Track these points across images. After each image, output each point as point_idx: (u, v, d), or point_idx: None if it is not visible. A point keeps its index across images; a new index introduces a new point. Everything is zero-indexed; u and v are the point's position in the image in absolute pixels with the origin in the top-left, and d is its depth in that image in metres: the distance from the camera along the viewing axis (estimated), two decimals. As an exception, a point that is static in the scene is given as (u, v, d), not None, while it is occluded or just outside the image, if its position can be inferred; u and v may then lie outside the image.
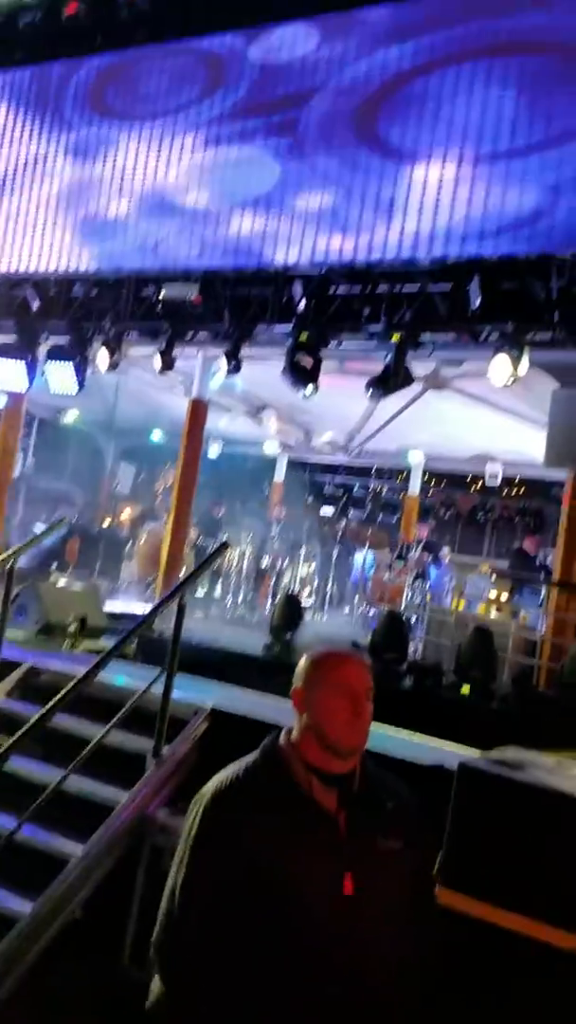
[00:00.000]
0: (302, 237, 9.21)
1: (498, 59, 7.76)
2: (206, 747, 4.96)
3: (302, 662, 2.21)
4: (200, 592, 11.91)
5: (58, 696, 4.26)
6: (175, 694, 4.90)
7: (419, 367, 9.57)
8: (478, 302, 8.14)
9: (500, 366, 8.02)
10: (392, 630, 7.90)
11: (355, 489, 17.64)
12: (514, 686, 7.48)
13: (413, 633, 9.02)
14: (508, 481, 15.40)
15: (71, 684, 4.34)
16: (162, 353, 10.29)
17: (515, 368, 7.82)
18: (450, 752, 5.03)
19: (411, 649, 8.57)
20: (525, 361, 7.91)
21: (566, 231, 7.44)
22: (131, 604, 10.55)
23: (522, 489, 16.00)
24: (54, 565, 12.00)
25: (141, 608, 8.97)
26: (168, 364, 10.37)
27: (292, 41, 9.31)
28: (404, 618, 8.72)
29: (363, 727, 2.13)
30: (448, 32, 8.14)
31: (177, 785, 4.81)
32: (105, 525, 14.90)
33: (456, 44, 8.06)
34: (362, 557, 12.28)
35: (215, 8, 9.91)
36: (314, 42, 9.11)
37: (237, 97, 9.72)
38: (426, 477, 15.89)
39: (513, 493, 16.21)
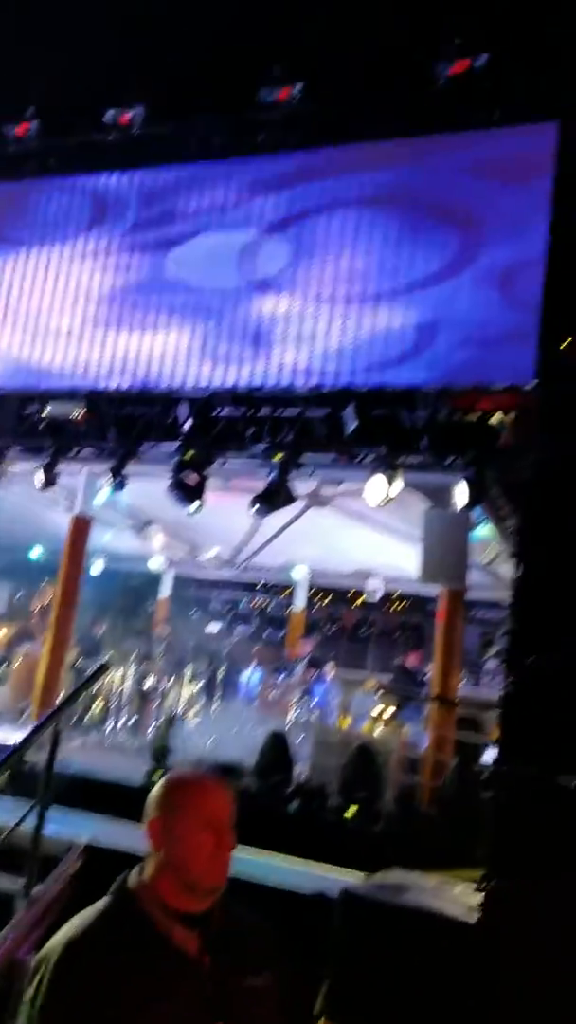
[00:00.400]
0: (187, 362, 9.57)
1: (365, 210, 8.51)
2: (81, 886, 4.70)
3: (157, 789, 1.99)
4: (78, 717, 11.45)
5: None
6: (48, 829, 4.66)
7: (302, 485, 9.89)
8: (353, 427, 8.58)
9: (375, 486, 8.40)
10: (277, 751, 7.80)
11: (241, 605, 17.63)
12: (397, 806, 7.46)
13: (299, 753, 8.92)
14: (389, 596, 15.75)
15: None
16: (45, 470, 10.23)
17: (388, 489, 8.19)
18: (333, 879, 4.95)
19: (297, 770, 8.46)
20: (398, 482, 8.31)
21: (430, 366, 8.05)
22: (3, 733, 10.02)
23: (403, 604, 16.38)
24: None
25: (14, 737, 8.53)
26: (50, 481, 10.30)
27: (174, 183, 9.90)
28: (289, 738, 8.62)
29: (226, 862, 1.95)
30: (320, 183, 8.89)
31: (49, 927, 4.50)
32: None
33: (328, 195, 8.80)
34: (248, 675, 12.16)
35: (99, 149, 10.47)
36: (196, 187, 9.73)
37: (124, 229, 10.18)
38: (311, 592, 16.07)
39: (394, 608, 16.57)
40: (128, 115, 9.98)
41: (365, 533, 12.40)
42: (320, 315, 8.71)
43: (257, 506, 9.55)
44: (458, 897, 4.09)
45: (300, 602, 15.43)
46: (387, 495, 8.21)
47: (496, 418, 8.41)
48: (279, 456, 9.36)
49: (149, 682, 12.18)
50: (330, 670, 12.40)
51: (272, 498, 9.35)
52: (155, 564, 15.92)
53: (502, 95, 8.09)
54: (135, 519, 13.90)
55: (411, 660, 11.02)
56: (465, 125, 8.31)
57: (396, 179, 8.53)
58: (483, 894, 3.65)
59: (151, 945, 1.86)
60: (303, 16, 9.50)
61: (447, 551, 8.29)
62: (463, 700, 8.83)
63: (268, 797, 7.32)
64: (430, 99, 8.55)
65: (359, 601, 16.28)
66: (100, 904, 1.95)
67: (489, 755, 8.52)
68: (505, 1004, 3.31)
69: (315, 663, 12.72)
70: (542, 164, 7.58)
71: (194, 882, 1.90)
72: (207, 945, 1.90)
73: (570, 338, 8.21)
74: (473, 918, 3.73)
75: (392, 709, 10.69)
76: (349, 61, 9.27)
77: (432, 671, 10.44)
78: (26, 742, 4.83)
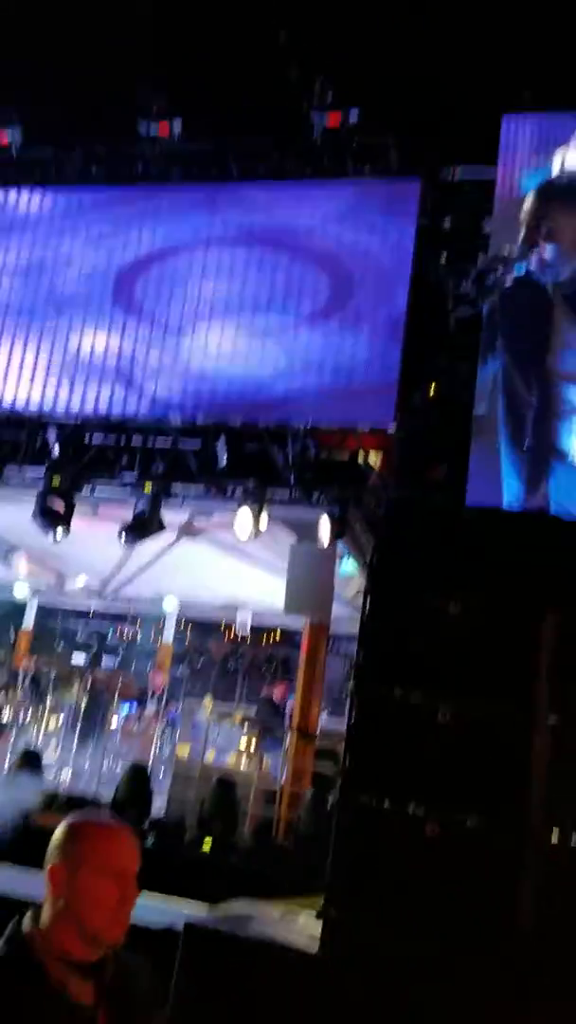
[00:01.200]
0: (57, 386, 9.45)
1: (239, 248, 8.72)
2: None
3: (60, 833, 1.87)
4: None
5: None
6: None
7: (173, 516, 9.87)
8: (224, 460, 8.69)
9: (243, 520, 8.51)
10: (135, 785, 7.69)
11: (109, 636, 17.29)
12: (253, 839, 7.47)
13: (158, 787, 8.81)
14: (258, 629, 15.83)
15: None
16: None
17: (256, 522, 8.31)
18: (179, 912, 4.91)
19: (156, 804, 8.35)
20: (265, 516, 8.44)
21: (300, 405, 8.29)
22: None
23: (272, 637, 16.50)
24: None
25: None
26: None
27: (51, 207, 9.85)
28: (149, 772, 8.51)
29: (129, 914, 1.87)
30: (194, 219, 9.05)
31: None
32: None
33: (203, 231, 8.96)
34: (113, 707, 11.93)
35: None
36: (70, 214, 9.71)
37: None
38: (181, 624, 15.95)
39: (264, 641, 16.67)
40: (6, 136, 9.86)
41: (236, 565, 12.46)
42: (193, 349, 8.81)
43: (126, 536, 9.48)
44: (302, 927, 4.14)
45: (169, 634, 15.28)
46: (255, 529, 8.32)
47: (362, 457, 8.72)
48: (149, 486, 9.34)
49: (6, 716, 11.76)
50: (200, 703, 12.33)
51: (141, 528, 9.30)
52: (19, 592, 15.43)
53: (372, 149, 8.49)
54: (-1, 545, 13.48)
55: (277, 693, 11.10)
56: (338, 174, 8.65)
57: (270, 221, 8.77)
58: (322, 923, 3.72)
59: (44, 995, 1.77)
60: (186, 53, 9.71)
61: (311, 585, 8.45)
62: (323, 732, 8.96)
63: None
64: (306, 146, 8.88)
65: (230, 634, 16.29)
66: None
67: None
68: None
69: (182, 696, 12.62)
70: (406, 219, 7.98)
71: (96, 934, 1.82)
72: (102, 994, 1.84)
73: (432, 384, 8.66)
74: (315, 947, 3.79)
75: (255, 741, 10.72)
76: (230, 102, 9.52)
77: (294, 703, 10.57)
78: None
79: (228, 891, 5.75)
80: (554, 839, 3.50)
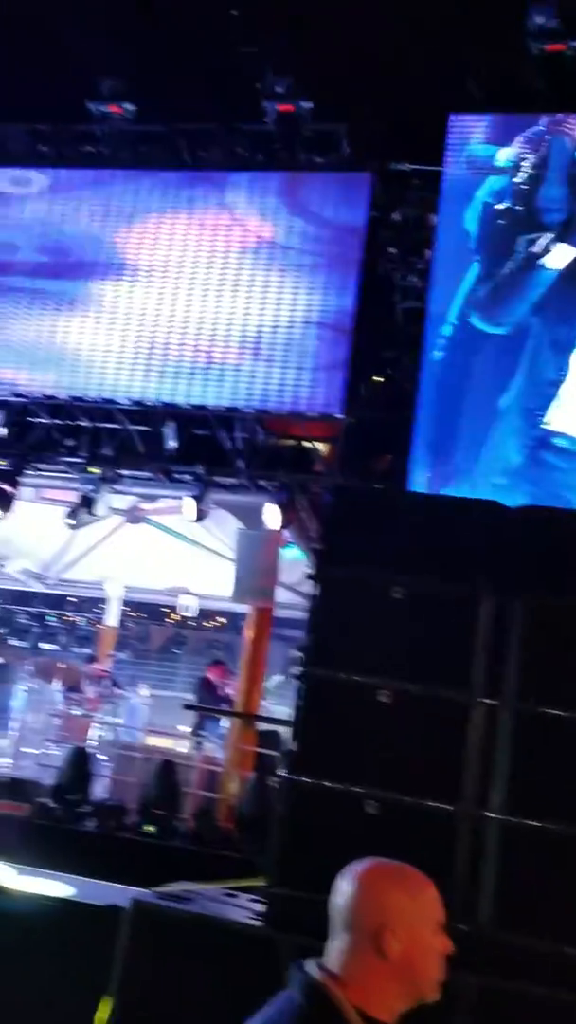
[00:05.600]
0: (3, 363, 9.31)
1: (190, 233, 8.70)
2: None
3: (373, 881, 1.73)
4: None
5: None
6: None
7: (118, 500, 9.82)
8: (172, 445, 8.68)
9: (189, 505, 8.55)
10: (76, 770, 7.68)
11: (49, 620, 17.13)
12: (196, 821, 7.54)
13: (99, 772, 8.80)
14: (204, 614, 15.86)
15: None
16: None
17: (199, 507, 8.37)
18: (123, 891, 4.95)
19: (98, 789, 8.36)
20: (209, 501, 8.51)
21: (249, 389, 8.32)
22: None
23: (215, 621, 16.55)
24: None
25: None
26: None
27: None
28: (91, 756, 8.50)
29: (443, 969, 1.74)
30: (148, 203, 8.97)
31: None
32: None
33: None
34: (52, 692, 11.84)
35: None
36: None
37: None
38: (124, 608, 15.89)
39: (207, 625, 16.71)
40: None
41: (181, 550, 12.47)
42: (142, 335, 8.77)
43: (71, 519, 9.41)
44: (244, 905, 4.22)
45: (112, 618, 15.21)
46: (200, 513, 8.37)
47: (309, 444, 8.79)
48: (96, 470, 9.28)
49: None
50: (139, 688, 12.31)
51: (87, 511, 9.24)
52: (-41, 575, 15.17)
53: (326, 141, 8.54)
54: None
55: (213, 674, 11.14)
56: (292, 165, 8.69)
57: (220, 206, 8.75)
58: (267, 903, 3.80)
59: None
60: (140, 36, 9.59)
61: (257, 571, 8.51)
62: (263, 716, 9.05)
63: (64, 816, 7.19)
64: (259, 136, 8.88)
65: (172, 617, 16.29)
66: (285, 1004, 1.69)
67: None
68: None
69: (116, 682, 12.58)
70: (358, 210, 8.05)
71: (425, 993, 1.70)
72: None
73: (381, 377, 8.77)
74: (258, 925, 3.87)
75: (194, 725, 10.77)
76: (183, 87, 9.44)
77: (234, 687, 10.64)
78: None
79: (170, 874, 5.81)
80: (488, 814, 3.64)
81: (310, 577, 4.47)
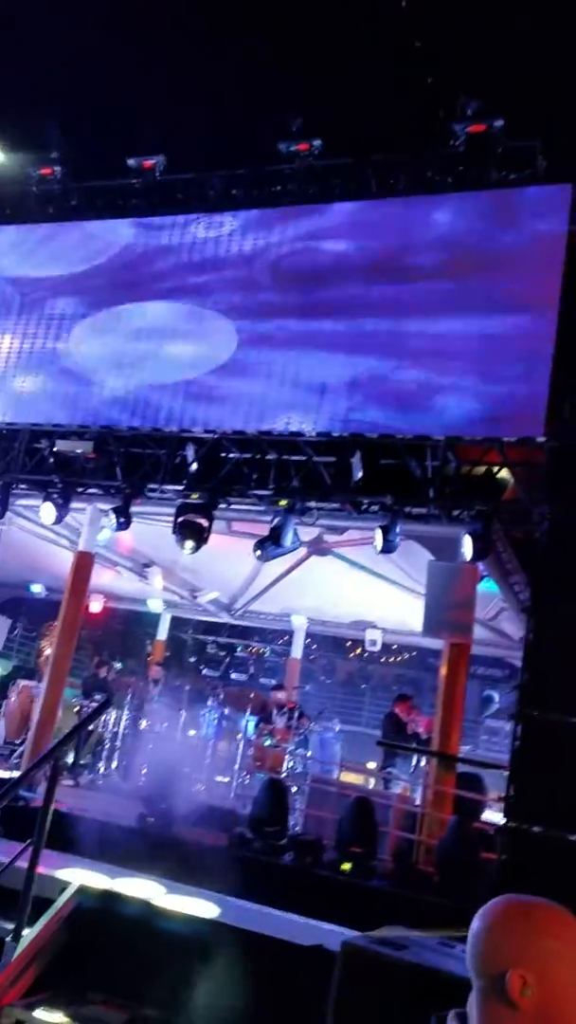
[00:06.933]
0: (196, 402, 9.60)
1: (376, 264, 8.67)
2: (75, 929, 4.57)
3: (511, 926, 1.52)
4: (70, 757, 11.28)
5: None
6: (40, 869, 4.54)
7: (303, 532, 9.86)
8: (359, 475, 8.60)
9: (379, 537, 8.44)
10: (273, 801, 7.66)
11: (238, 650, 17.49)
12: (394, 863, 7.30)
13: (293, 804, 8.77)
14: (387, 648, 15.65)
15: None
16: (57, 505, 10.23)
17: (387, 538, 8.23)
18: (329, 930, 4.83)
19: (291, 821, 8.31)
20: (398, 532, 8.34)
21: (440, 416, 8.10)
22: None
23: (401, 656, 16.28)
24: None
25: (5, 775, 8.40)
26: (60, 516, 10.32)
27: (176, 226, 10.10)
28: (286, 788, 8.48)
29: None
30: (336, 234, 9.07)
31: (39, 973, 4.38)
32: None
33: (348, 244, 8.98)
34: (243, 722, 12.01)
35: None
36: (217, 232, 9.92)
37: (156, 270, 10.29)
38: (308, 641, 15.96)
39: (392, 660, 16.46)
40: (151, 162, 10.21)
41: (367, 583, 12.36)
42: (330, 363, 8.78)
43: (260, 551, 9.53)
44: (461, 956, 3.97)
45: (297, 650, 15.31)
46: (388, 545, 8.24)
47: (503, 472, 8.44)
48: (284, 502, 9.35)
49: (143, 725, 12.02)
50: (328, 721, 12.25)
51: (276, 543, 9.32)
52: (154, 606, 15.84)
53: (519, 158, 8.28)
54: (135, 561, 13.87)
55: (400, 709, 10.87)
56: (483, 184, 8.49)
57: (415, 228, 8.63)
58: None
59: None
60: (320, 72, 9.80)
61: (451, 604, 8.23)
62: (467, 759, 8.68)
63: (263, 848, 7.17)
64: (448, 158, 8.76)
65: (358, 652, 16.19)
66: None
67: (489, 814, 8.37)
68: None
69: (306, 713, 12.57)
70: (557, 223, 7.71)
71: None
72: None
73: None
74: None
75: (382, 761, 10.54)
76: (366, 117, 9.54)
77: (422, 723, 10.32)
78: (28, 773, 4.75)
79: (367, 914, 5.62)
80: None
81: (524, 611, 4.22)
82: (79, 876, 4.88)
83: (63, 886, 4.74)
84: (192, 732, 12.08)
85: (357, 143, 9.26)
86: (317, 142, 9.37)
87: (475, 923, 1.55)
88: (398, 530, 8.46)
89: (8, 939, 4.41)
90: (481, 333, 8.13)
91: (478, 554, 7.86)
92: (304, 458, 9.34)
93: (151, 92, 11.00)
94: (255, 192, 9.83)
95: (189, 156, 10.23)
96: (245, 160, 9.82)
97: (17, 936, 4.41)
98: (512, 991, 1.45)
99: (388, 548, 8.49)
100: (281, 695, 12.72)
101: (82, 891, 4.73)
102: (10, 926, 4.44)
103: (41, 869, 4.56)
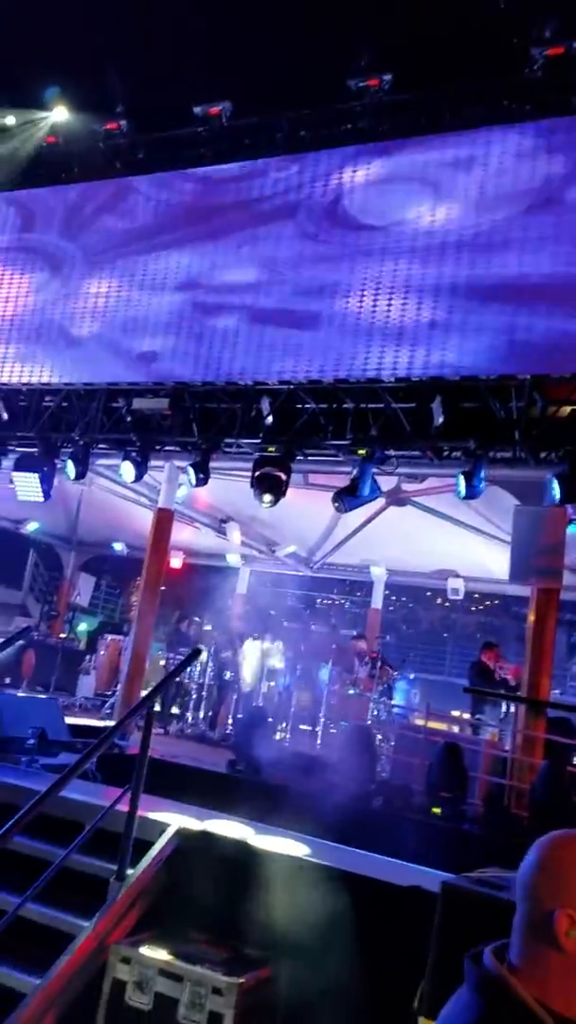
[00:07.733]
0: (270, 354, 9.48)
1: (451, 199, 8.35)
2: (174, 870, 4.69)
3: (566, 862, 1.44)
4: (157, 707, 11.58)
5: (15, 817, 4.01)
6: (140, 813, 4.66)
7: (381, 482, 9.73)
8: (440, 420, 8.40)
9: (464, 483, 8.27)
10: (360, 747, 7.72)
11: (317, 603, 17.60)
12: (485, 807, 7.28)
13: (380, 750, 8.81)
14: (469, 596, 15.51)
15: (29, 804, 4.10)
16: (136, 463, 10.34)
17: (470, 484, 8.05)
18: (425, 872, 4.82)
19: (378, 767, 8.36)
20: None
21: (523, 355, 7.81)
22: (88, 719, 10.20)
23: (484, 605, 16.10)
24: (7, 679, 11.61)
25: (99, 724, 8.66)
26: (141, 474, 10.44)
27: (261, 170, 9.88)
28: (372, 735, 8.53)
29: None
30: (415, 163, 8.76)
31: (142, 912, 4.52)
32: (63, 636, 14.58)
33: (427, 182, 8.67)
34: (325, 672, 12.09)
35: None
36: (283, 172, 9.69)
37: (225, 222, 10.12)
38: (387, 593, 15.93)
39: (475, 608, 16.30)
40: (217, 109, 10.03)
41: (447, 532, 12.21)
42: (407, 306, 8.55)
43: (338, 502, 9.45)
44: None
45: (377, 601, 15.30)
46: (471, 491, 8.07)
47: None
48: (363, 451, 9.22)
49: (228, 676, 12.22)
50: (409, 670, 12.23)
51: (355, 493, 9.22)
52: (233, 560, 16.01)
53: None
54: (212, 517, 14.00)
55: (487, 657, 10.76)
56: (565, 111, 8.06)
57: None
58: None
59: None
60: (388, 5, 9.41)
61: (539, 550, 8.03)
62: (556, 703, 8.56)
63: (352, 793, 7.22)
64: (525, 85, 8.34)
65: (440, 601, 16.07)
66: (462, 1009, 1.45)
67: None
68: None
69: (389, 663, 12.56)
70: None
71: None
72: None
73: None
74: None
75: (472, 708, 10.49)
76: (438, 50, 9.14)
77: (510, 671, 10.19)
78: (120, 724, 4.85)
79: (460, 858, 5.62)
80: None
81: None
82: (176, 819, 4.99)
83: (162, 828, 4.86)
84: (273, 683, 12.23)
85: (426, 76, 8.88)
86: (387, 76, 9.03)
87: (529, 855, 1.48)
88: (482, 475, 8.28)
89: (112, 879, 4.55)
90: (570, 256, 7.74)
91: (566, 496, 7.64)
92: (382, 405, 9.18)
93: (213, 37, 10.76)
94: (324, 131, 9.56)
95: (255, 100, 9.98)
96: (313, 99, 9.55)
97: (121, 876, 4.55)
98: (559, 931, 1.38)
99: (472, 494, 8.32)
100: (363, 644, 12.74)
101: (180, 833, 4.84)
102: (113, 867, 4.58)
103: (141, 812, 4.69)
